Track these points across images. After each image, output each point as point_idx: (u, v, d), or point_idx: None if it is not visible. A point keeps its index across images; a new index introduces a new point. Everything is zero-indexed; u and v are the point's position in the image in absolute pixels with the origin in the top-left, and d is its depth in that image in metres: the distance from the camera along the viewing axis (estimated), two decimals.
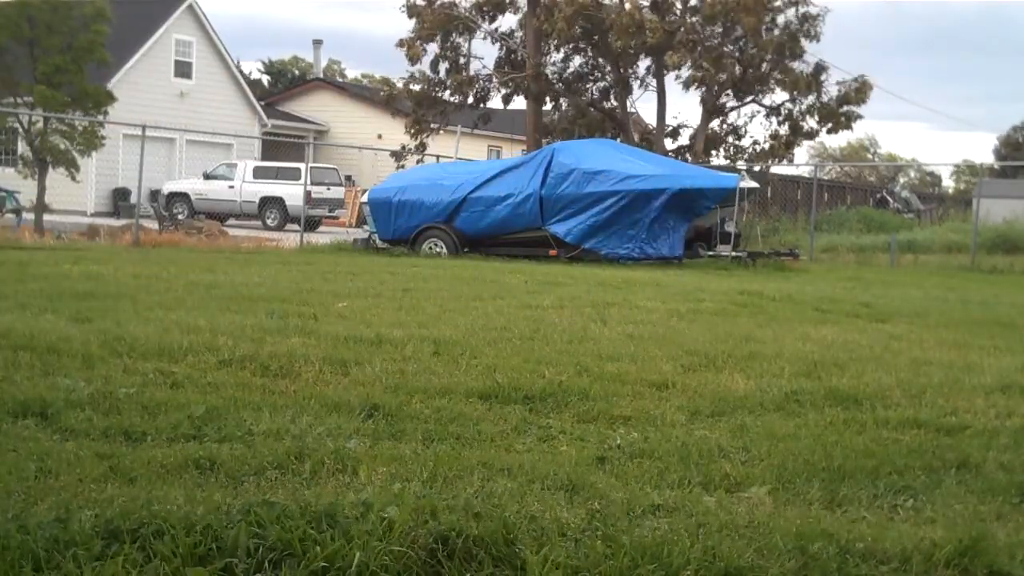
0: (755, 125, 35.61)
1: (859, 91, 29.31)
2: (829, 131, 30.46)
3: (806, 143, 32.53)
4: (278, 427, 4.31)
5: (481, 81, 31.68)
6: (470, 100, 32.01)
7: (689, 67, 29.01)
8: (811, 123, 30.54)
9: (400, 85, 31.70)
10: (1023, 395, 5.87)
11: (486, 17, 31.35)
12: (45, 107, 22.32)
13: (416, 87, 31.20)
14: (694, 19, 28.83)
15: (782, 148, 30.76)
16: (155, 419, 4.38)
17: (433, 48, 31.06)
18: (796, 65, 29.41)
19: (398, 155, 30.60)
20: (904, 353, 7.34)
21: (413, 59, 30.43)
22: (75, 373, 5.16)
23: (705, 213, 18.12)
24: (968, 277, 18.79)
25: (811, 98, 29.97)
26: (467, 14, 30.89)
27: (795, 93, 29.66)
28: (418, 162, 29.83)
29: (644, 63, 30.73)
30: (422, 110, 31.10)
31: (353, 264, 14.50)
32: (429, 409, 4.80)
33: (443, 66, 31.31)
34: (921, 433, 4.81)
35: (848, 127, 30.20)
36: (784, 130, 30.69)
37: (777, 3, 28.69)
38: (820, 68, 29.63)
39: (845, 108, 29.74)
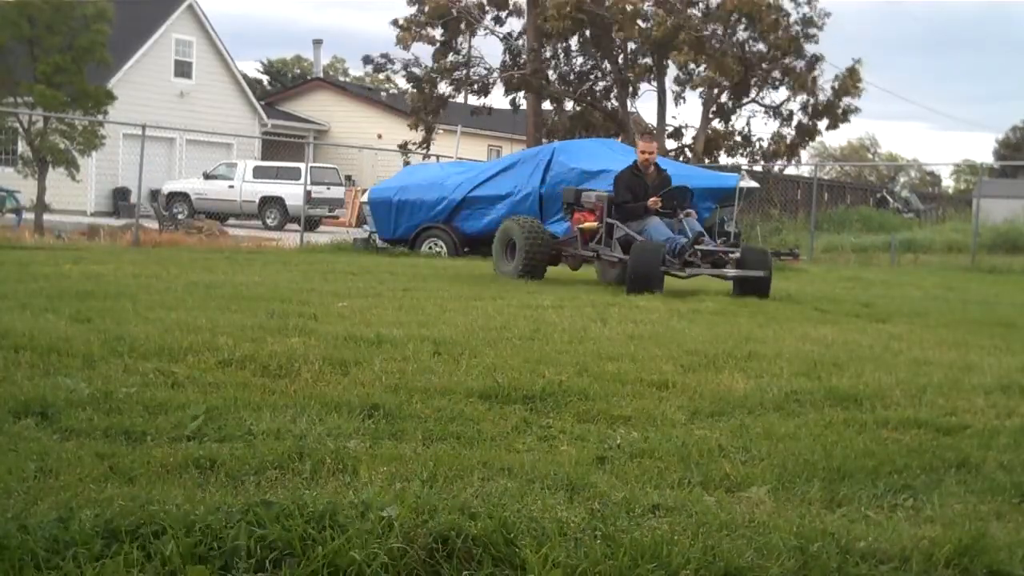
0: (755, 124, 35.83)
1: (851, 76, 29.52)
2: (829, 127, 30.62)
3: (807, 143, 32.80)
4: (278, 427, 4.31)
5: (480, 74, 31.69)
6: (470, 95, 32.03)
7: (695, 64, 29.09)
8: (810, 120, 30.71)
9: (399, 73, 31.72)
10: (1023, 395, 5.86)
11: (486, 12, 31.36)
12: (45, 107, 22.32)
13: (416, 70, 31.17)
14: (698, 12, 28.94)
15: (786, 150, 30.91)
16: (155, 419, 4.38)
17: (431, 44, 31.06)
18: (797, 64, 29.59)
19: (403, 150, 30.65)
20: (904, 353, 7.33)
21: (405, 45, 30.40)
22: (75, 373, 5.15)
23: (706, 214, 18.09)
24: (968, 277, 18.78)
25: (809, 95, 30.16)
26: (467, 8, 30.92)
27: (798, 90, 29.81)
28: (426, 157, 29.82)
29: (645, 61, 30.77)
30: (419, 101, 31.07)
31: (353, 264, 14.50)
32: (429, 409, 4.80)
33: (448, 58, 31.31)
34: (921, 433, 4.81)
35: (846, 120, 30.38)
36: (789, 130, 30.81)
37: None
38: (814, 62, 29.77)
39: (844, 101, 29.93)
